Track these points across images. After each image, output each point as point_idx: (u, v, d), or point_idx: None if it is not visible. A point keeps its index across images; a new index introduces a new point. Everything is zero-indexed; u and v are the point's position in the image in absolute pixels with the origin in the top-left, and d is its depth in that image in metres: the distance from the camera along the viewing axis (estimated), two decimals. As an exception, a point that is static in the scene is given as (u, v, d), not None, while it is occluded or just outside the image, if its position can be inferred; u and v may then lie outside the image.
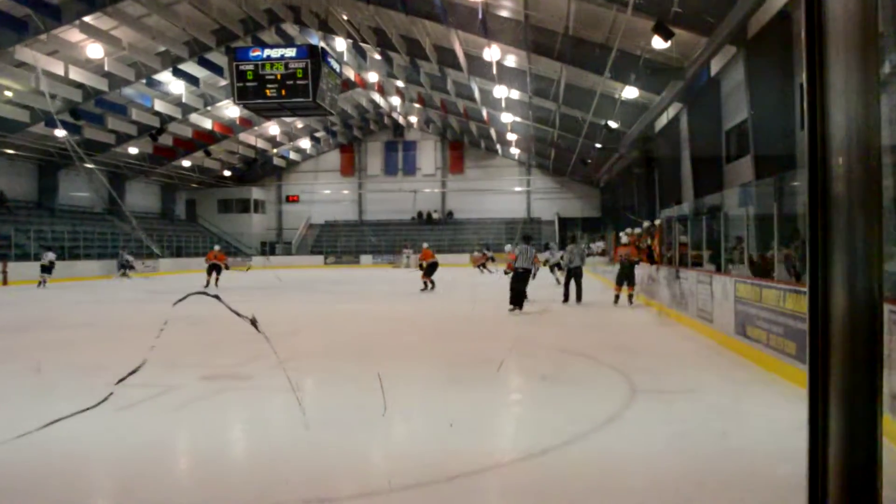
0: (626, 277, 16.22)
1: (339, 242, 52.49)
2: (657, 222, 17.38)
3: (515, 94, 30.23)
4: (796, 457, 4.59)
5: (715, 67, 20.06)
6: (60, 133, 33.33)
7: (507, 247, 19.15)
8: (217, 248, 26.88)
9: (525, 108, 31.75)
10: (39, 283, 26.82)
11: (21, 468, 4.51)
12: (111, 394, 5.74)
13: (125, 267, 33.08)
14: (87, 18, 24.71)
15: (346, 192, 55.79)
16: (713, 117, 21.23)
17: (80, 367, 8.46)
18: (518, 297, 14.57)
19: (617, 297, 16.51)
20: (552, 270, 25.16)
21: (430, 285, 22.22)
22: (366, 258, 48.91)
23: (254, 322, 3.72)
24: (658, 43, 16.98)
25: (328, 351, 9.78)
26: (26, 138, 33.87)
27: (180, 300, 4.11)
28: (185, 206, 54.00)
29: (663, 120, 25.76)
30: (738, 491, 4.17)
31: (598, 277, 27.75)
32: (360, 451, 5.00)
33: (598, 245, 31.18)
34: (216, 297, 3.64)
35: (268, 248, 52.88)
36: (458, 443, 5.11)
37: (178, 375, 7.28)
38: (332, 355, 9.37)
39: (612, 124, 26.46)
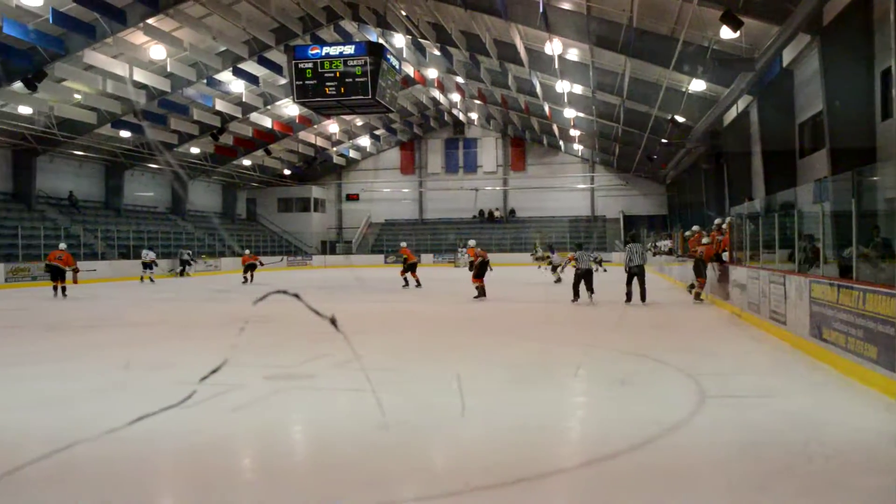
0: (697, 271, 16.33)
1: (399, 241, 52.39)
2: (728, 220, 16.83)
3: (578, 89, 29.75)
4: (885, 467, 4.28)
5: (787, 57, 19.31)
6: (142, 134, 34.23)
7: (471, 241, 19.85)
8: (248, 251, 31.25)
9: (588, 102, 31.19)
10: (142, 278, 29.22)
11: (101, 462, 4.67)
12: (195, 391, 5.90)
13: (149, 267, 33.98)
14: (150, 20, 25.11)
15: (406, 190, 55.76)
16: (786, 109, 20.45)
17: (149, 364, 8.66)
18: (576, 292, 16.33)
19: (698, 293, 16.53)
20: (554, 270, 25.58)
21: (414, 282, 23.14)
22: (426, 257, 48.66)
23: (333, 321, 3.67)
24: (726, 33, 16.50)
25: (393, 351, 9.69)
26: (93, 140, 34.68)
27: (260, 299, 3.99)
28: (246, 206, 54.65)
29: (732, 113, 24.97)
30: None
31: (665, 277, 27.05)
32: (425, 452, 5.02)
33: (665, 244, 30.40)
34: (296, 295, 3.47)
35: (328, 247, 53.27)
36: (524, 446, 5.05)
37: (242, 374, 7.35)
38: (398, 355, 9.31)
39: (679, 118, 25.74)
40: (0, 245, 27.79)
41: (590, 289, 16.23)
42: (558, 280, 24.56)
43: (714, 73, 20.54)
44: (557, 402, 6.64)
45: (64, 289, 20.51)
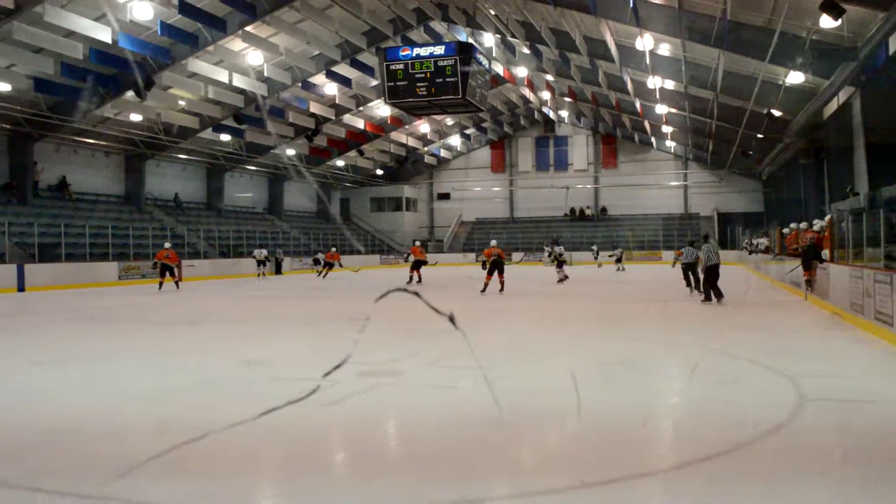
0: (806, 264, 16.10)
1: (490, 240, 52.36)
2: (828, 216, 16.29)
3: (670, 84, 29.21)
4: None
5: (894, 45, 18.46)
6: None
7: (493, 241, 20.96)
8: (333, 249, 33.69)
9: (680, 98, 30.57)
10: (258, 275, 32.15)
11: (235, 452, 4.95)
12: (318, 387, 6.09)
13: (318, 263, 35.98)
14: (248, 28, 26.06)
15: (497, 188, 55.84)
16: (891, 100, 19.54)
17: (249, 359, 8.86)
18: (688, 282, 17.67)
19: (808, 281, 16.20)
20: (560, 267, 25.63)
21: (416, 278, 24.90)
22: (517, 255, 48.52)
23: (452, 318, 3.65)
24: (827, 22, 15.92)
25: (493, 347, 9.53)
26: (196, 143, 36.16)
27: (381, 297, 4.15)
28: (340, 205, 55.76)
29: (833, 105, 24.01)
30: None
31: (762, 276, 26.31)
32: (520, 448, 5.04)
33: (761, 241, 29.51)
34: (416, 293, 3.61)
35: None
36: (616, 445, 4.99)
37: (338, 370, 7.41)
38: (496, 352, 9.14)
39: (776, 112, 24.97)
40: (114, 245, 29.29)
41: (695, 284, 17.23)
42: (564, 278, 24.89)
43: (813, 65, 19.83)
44: (651, 401, 6.56)
45: (177, 283, 23.40)
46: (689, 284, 17.86)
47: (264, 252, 32.80)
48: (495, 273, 19.81)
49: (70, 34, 22.94)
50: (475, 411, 5.94)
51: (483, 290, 19.52)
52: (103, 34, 22.74)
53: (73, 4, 21.97)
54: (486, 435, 5.27)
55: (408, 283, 24.27)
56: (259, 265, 32.14)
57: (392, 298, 3.89)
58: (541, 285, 23.96)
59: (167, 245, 23.79)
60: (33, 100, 27.53)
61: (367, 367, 7.85)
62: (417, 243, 27.07)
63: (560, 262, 25.32)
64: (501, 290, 19.73)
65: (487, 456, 4.80)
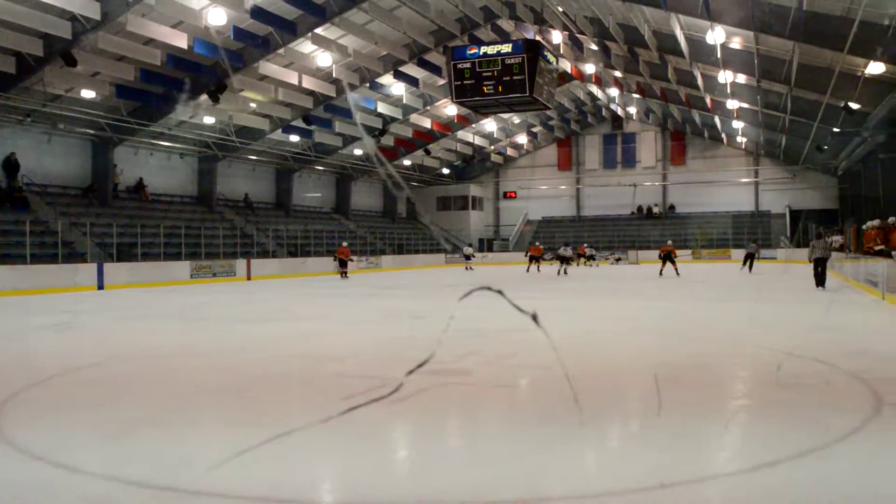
0: None
1: (556, 238, 52.13)
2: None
3: (742, 79, 28.66)
4: None
5: (981, 34, 17.75)
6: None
7: (669, 241, 23.38)
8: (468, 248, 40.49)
9: (752, 92, 29.92)
10: (466, 267, 39.11)
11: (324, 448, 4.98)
12: (401, 384, 6.05)
13: (469, 259, 39.54)
14: (318, 30, 26.52)
15: (563, 187, 55.42)
16: (979, 92, 18.80)
17: (318, 357, 8.98)
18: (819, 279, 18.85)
19: None
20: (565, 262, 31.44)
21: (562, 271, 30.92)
22: (682, 252, 47.28)
23: (534, 317, 3.70)
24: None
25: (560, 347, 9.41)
26: (266, 145, 36.91)
27: (465, 295, 4.16)
28: (406, 205, 56.12)
29: (916, 97, 23.19)
30: None
31: (836, 274, 25.53)
32: (580, 452, 4.86)
33: (836, 239, 28.65)
34: (499, 291, 3.65)
35: (486, 245, 53.86)
36: (677, 449, 4.82)
37: (399, 369, 7.34)
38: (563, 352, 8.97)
39: (853, 105, 24.20)
40: (186, 244, 30.13)
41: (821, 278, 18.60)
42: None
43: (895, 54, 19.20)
44: (712, 403, 6.30)
45: (345, 273, 30.27)
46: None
47: (470, 249, 41.05)
48: (668, 262, 26.94)
49: (149, 41, 23.79)
50: (541, 410, 5.97)
51: (660, 274, 26.86)
52: (180, 41, 23.50)
53: (153, 13, 22.68)
54: (552, 435, 5.21)
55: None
56: (466, 259, 39.65)
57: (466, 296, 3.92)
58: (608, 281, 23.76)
59: (345, 244, 30.86)
60: (114, 105, 28.57)
61: (429, 365, 7.86)
62: (537, 243, 34.73)
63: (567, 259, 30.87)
64: (678, 274, 26.33)
65: (555, 457, 4.73)
